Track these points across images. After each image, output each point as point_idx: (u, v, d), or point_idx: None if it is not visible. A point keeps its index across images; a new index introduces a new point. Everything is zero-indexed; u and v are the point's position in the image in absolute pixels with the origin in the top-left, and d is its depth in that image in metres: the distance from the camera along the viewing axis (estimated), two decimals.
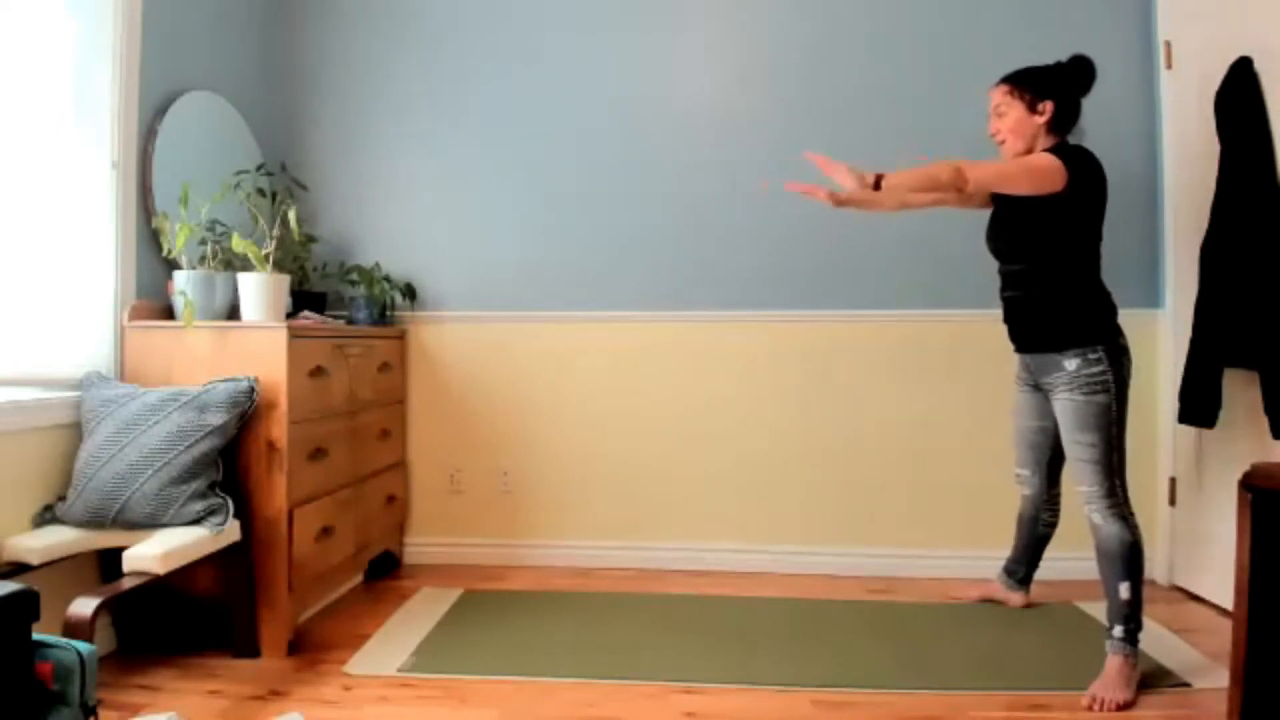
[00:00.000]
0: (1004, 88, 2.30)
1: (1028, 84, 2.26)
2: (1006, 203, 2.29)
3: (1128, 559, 2.09)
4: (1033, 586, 2.67)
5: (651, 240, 3.18)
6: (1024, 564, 2.64)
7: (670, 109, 3.18)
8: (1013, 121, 2.27)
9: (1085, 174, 2.12)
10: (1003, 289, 2.37)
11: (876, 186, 2.13)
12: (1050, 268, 2.20)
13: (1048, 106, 2.23)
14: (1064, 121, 2.25)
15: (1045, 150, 2.20)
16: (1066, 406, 2.18)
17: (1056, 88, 2.24)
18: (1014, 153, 2.29)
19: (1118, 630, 2.08)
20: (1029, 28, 3.00)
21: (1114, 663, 2.06)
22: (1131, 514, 2.13)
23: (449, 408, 3.25)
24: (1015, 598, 2.65)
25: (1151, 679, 2.10)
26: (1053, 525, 2.57)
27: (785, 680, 2.13)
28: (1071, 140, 2.27)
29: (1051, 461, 2.48)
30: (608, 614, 2.63)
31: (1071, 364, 2.17)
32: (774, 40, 3.15)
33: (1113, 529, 2.11)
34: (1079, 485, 2.18)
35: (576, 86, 3.21)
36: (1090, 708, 1.99)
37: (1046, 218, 2.16)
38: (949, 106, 3.03)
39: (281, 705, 2.00)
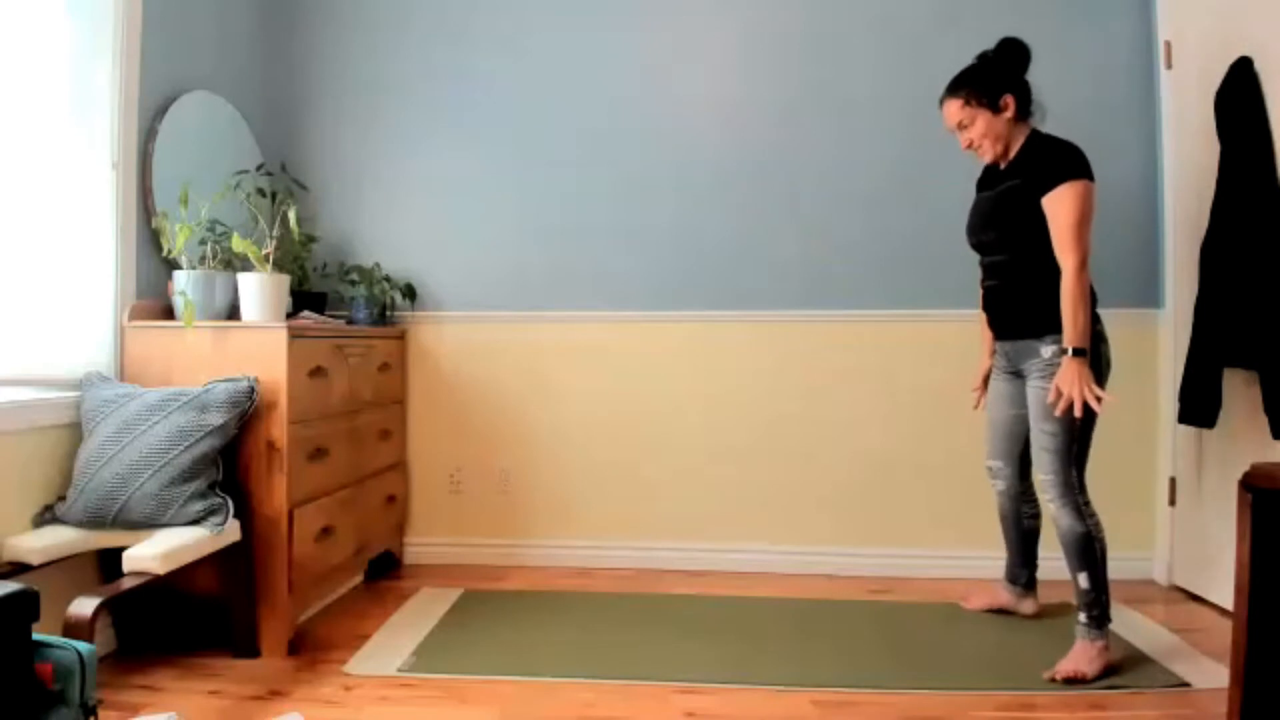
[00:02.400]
0: (957, 102, 2.29)
1: (980, 88, 2.25)
2: (995, 197, 2.30)
3: (1082, 549, 2.15)
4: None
5: (652, 240, 3.18)
6: (1024, 566, 2.58)
7: (670, 110, 3.18)
8: (983, 128, 2.26)
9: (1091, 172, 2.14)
10: (984, 279, 2.38)
11: (1078, 353, 2.08)
12: (1036, 258, 2.20)
13: (1009, 101, 2.24)
14: (1024, 106, 2.26)
15: (1026, 140, 2.24)
16: (1037, 394, 2.21)
17: (1005, 79, 2.24)
18: (995, 155, 2.29)
19: (1081, 616, 2.16)
20: (1029, 27, 2.97)
21: (1079, 645, 2.16)
22: (1085, 504, 2.17)
23: (449, 408, 3.25)
24: (1026, 605, 2.58)
25: (1151, 679, 2.11)
26: (1037, 517, 2.53)
27: (785, 680, 2.13)
28: (1035, 119, 2.28)
29: (1024, 453, 2.46)
30: (608, 614, 2.63)
31: (1047, 351, 2.19)
32: (775, 40, 3.14)
33: (1065, 519, 2.17)
34: (1038, 473, 2.23)
35: (576, 86, 3.21)
36: (1051, 679, 2.09)
37: (1039, 214, 2.17)
38: None
39: (281, 705, 2.00)
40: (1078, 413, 2.08)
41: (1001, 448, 2.48)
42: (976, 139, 2.28)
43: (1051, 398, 2.12)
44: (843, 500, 3.10)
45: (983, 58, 2.29)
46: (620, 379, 3.19)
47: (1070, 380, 2.08)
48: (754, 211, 3.14)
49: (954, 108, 2.29)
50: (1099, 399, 2.06)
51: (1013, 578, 2.60)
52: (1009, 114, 2.24)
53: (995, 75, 2.25)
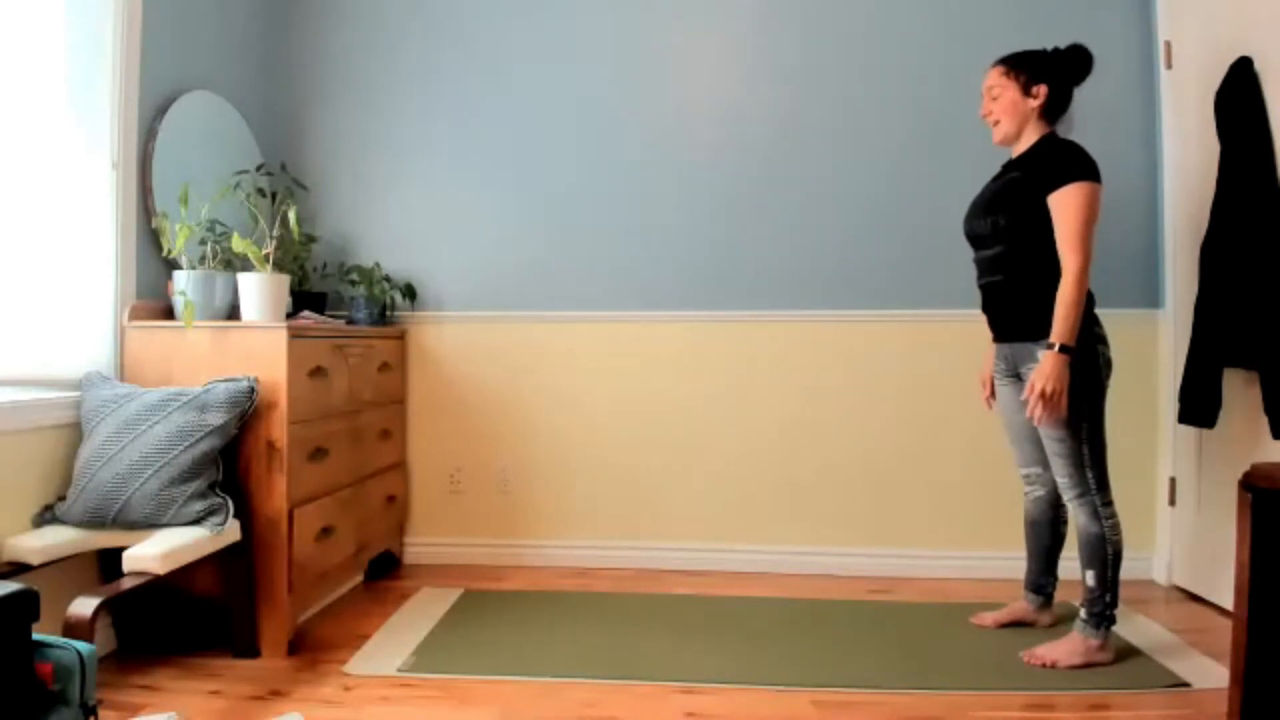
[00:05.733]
0: (1000, 69, 2.30)
1: (1023, 67, 2.26)
2: (998, 187, 2.29)
3: (1093, 548, 2.17)
4: None
5: (651, 240, 3.18)
6: (1049, 573, 2.46)
7: (671, 110, 3.18)
8: (1006, 104, 2.27)
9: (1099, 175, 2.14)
10: (981, 274, 2.35)
11: (1063, 350, 2.09)
12: (1033, 253, 2.19)
13: (1041, 91, 2.23)
14: (1055, 109, 2.26)
15: (1039, 138, 2.25)
16: None
17: (1052, 73, 2.24)
18: (1006, 135, 2.29)
19: (1082, 612, 2.19)
20: (1030, 27, 3.00)
21: (1069, 637, 2.20)
22: (1104, 505, 2.17)
23: (449, 408, 3.25)
24: (1045, 617, 2.48)
25: (1151, 679, 2.10)
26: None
27: (785, 680, 2.13)
28: (1060, 131, 2.27)
29: None
30: (607, 614, 2.63)
31: (1043, 355, 2.16)
32: (776, 42, 3.15)
33: (1082, 518, 2.19)
34: (1055, 475, 2.24)
35: (576, 86, 3.21)
36: (1028, 661, 2.20)
37: (1040, 209, 2.16)
38: (952, 104, 3.03)
39: (281, 705, 2.00)
40: (1028, 411, 2.11)
41: (1032, 454, 2.40)
42: (996, 111, 2.29)
43: (1026, 393, 2.13)
44: (843, 500, 3.10)
45: (1051, 49, 2.28)
46: (620, 379, 3.19)
47: (1046, 375, 2.08)
48: (753, 211, 3.14)
49: (995, 74, 2.30)
50: (1065, 404, 2.09)
51: (1040, 586, 2.48)
52: (1036, 103, 2.24)
53: (1045, 65, 2.25)
